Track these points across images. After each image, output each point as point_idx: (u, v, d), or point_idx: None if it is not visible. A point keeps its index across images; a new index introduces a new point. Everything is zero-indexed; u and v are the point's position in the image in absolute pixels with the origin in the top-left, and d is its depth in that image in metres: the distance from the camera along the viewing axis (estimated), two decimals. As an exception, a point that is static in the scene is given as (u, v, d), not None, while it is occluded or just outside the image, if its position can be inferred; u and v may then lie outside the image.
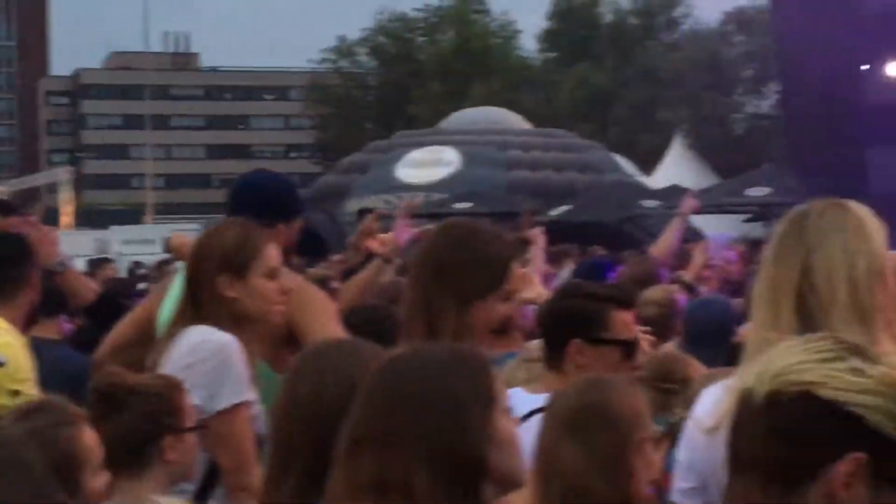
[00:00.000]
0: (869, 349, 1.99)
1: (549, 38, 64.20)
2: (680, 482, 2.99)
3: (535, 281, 5.87)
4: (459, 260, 3.66)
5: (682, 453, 2.99)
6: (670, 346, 5.33)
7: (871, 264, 2.85)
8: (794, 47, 36.96)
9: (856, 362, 1.96)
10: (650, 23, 62.02)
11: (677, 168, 39.19)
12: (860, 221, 2.91)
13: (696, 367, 4.29)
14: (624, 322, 3.88)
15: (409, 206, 6.87)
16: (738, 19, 58.95)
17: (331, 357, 2.79)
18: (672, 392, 3.98)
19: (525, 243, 7.81)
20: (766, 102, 58.22)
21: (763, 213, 25.23)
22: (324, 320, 4.32)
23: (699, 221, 21.41)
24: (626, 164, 37.27)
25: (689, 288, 7.71)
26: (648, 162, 42.58)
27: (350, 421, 2.35)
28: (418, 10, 70.22)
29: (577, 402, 3.24)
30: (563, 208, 27.28)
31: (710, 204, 22.56)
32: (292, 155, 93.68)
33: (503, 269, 3.69)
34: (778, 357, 2.00)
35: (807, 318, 2.80)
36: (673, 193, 23.09)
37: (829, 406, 1.93)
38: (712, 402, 2.87)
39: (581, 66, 58.43)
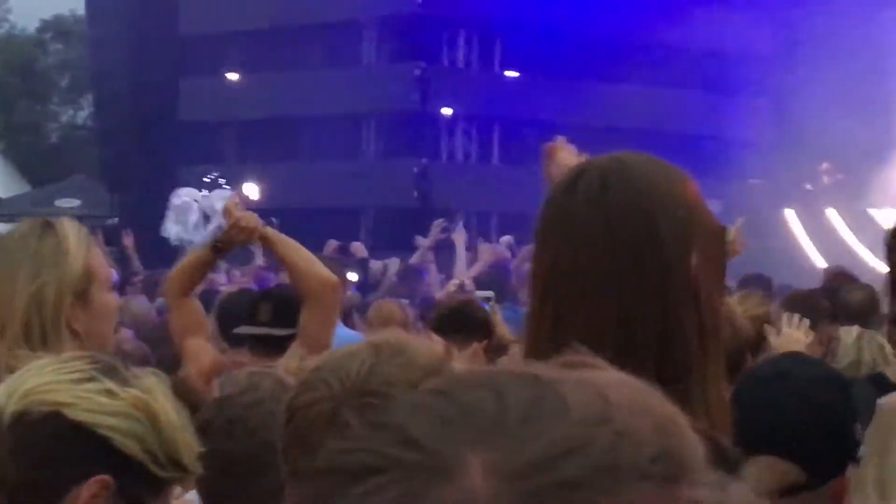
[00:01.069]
0: (123, 370, 1.99)
1: None
2: None
3: None
4: None
5: None
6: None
7: (63, 287, 2.85)
8: (108, 61, 37.15)
9: (108, 384, 1.95)
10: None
11: (-12, 175, 38.19)
12: (57, 245, 2.91)
13: None
14: None
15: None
16: (56, 28, 58.24)
17: None
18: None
19: None
20: (81, 113, 57.90)
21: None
22: None
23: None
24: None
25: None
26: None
27: None
28: None
29: None
30: None
31: (20, 213, 22.65)
32: None
33: None
34: (29, 376, 1.97)
35: None
36: (-20, 201, 22.59)
37: (77, 427, 1.91)
38: None
39: None
